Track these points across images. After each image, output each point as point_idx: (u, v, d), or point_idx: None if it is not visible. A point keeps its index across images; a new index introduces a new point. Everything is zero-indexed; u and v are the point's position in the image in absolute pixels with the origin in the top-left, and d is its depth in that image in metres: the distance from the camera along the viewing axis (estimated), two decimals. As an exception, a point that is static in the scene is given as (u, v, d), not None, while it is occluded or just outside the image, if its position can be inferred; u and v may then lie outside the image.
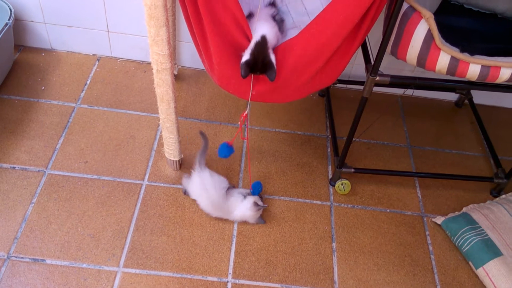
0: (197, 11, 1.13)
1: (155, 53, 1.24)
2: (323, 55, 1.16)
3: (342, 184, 1.62)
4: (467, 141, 1.91)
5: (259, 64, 1.16)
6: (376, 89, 1.81)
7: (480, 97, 2.01)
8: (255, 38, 1.15)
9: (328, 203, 1.62)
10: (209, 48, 1.19)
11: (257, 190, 1.54)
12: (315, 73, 1.20)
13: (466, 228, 1.51)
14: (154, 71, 1.30)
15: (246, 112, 1.31)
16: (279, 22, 1.25)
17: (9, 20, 1.71)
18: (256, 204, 1.46)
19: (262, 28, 1.17)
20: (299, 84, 1.23)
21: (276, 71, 1.17)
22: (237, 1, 1.11)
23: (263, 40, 1.15)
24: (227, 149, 1.43)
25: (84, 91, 1.82)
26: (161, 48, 1.22)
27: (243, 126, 1.32)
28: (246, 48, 1.17)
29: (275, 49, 1.19)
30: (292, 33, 1.28)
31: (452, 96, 2.06)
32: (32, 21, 1.86)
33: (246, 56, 1.16)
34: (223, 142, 1.44)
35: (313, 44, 1.14)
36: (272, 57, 1.16)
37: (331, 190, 1.66)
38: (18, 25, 1.87)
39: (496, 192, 1.71)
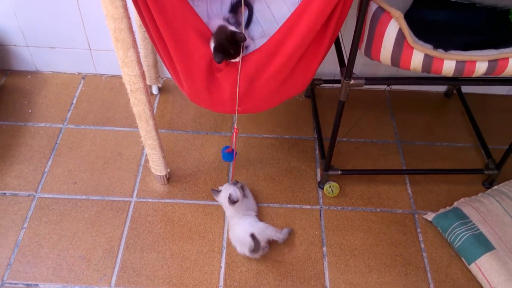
0: (159, 31, 1.13)
1: (126, 74, 1.24)
2: (290, 63, 1.16)
3: (330, 187, 1.61)
4: (458, 133, 1.88)
5: (228, 44, 1.14)
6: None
7: (469, 86, 1.97)
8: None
9: (318, 207, 1.61)
10: (175, 66, 1.18)
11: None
12: (283, 80, 1.20)
13: (457, 223, 1.50)
14: (128, 91, 1.30)
15: (235, 126, 1.36)
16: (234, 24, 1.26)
17: (-10, 47, 1.73)
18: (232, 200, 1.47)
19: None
20: (268, 93, 1.22)
21: (243, 81, 1.17)
22: (196, 15, 1.12)
23: (222, 26, 1.18)
24: (229, 156, 1.52)
25: (70, 111, 1.84)
26: (132, 69, 1.22)
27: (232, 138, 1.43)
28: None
29: (242, 58, 1.19)
30: (262, 42, 1.27)
31: (441, 87, 2.02)
32: (14, 45, 1.88)
33: (212, 44, 1.16)
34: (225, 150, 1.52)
35: (278, 52, 1.14)
36: (234, 28, 1.18)
37: (320, 193, 1.65)
38: (1, 50, 1.89)
39: (488, 184, 1.68)
